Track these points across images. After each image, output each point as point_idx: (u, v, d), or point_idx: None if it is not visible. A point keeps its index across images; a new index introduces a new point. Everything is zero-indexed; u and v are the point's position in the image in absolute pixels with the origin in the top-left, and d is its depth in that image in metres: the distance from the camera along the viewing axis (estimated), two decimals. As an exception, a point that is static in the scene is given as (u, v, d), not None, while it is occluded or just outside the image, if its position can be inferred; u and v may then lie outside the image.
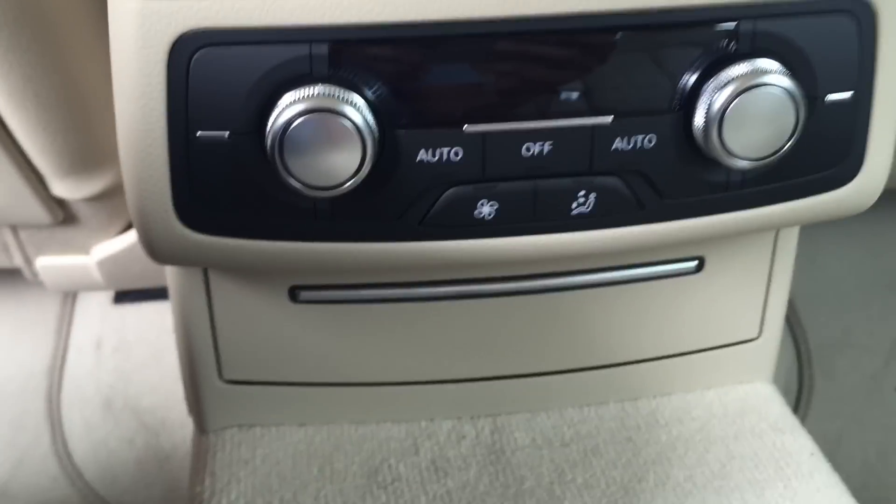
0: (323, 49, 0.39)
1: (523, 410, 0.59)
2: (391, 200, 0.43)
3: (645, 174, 0.44)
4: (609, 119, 0.42)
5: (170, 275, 0.53)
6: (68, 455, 0.93)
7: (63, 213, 0.70)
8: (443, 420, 0.59)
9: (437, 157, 0.41)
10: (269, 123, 0.39)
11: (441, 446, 0.57)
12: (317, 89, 0.39)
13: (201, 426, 0.58)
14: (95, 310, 1.03)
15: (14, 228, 0.74)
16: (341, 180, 0.40)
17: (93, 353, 1.00)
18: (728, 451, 0.56)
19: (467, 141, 0.41)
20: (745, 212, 0.46)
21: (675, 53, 0.42)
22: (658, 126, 0.42)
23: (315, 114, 0.39)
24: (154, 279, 0.76)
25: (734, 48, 0.42)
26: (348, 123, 0.39)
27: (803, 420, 1.02)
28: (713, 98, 0.41)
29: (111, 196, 0.69)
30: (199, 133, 0.40)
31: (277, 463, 0.56)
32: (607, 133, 0.42)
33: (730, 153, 0.42)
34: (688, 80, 0.42)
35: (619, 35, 0.41)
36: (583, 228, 0.45)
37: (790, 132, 0.42)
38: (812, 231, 0.62)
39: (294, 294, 0.53)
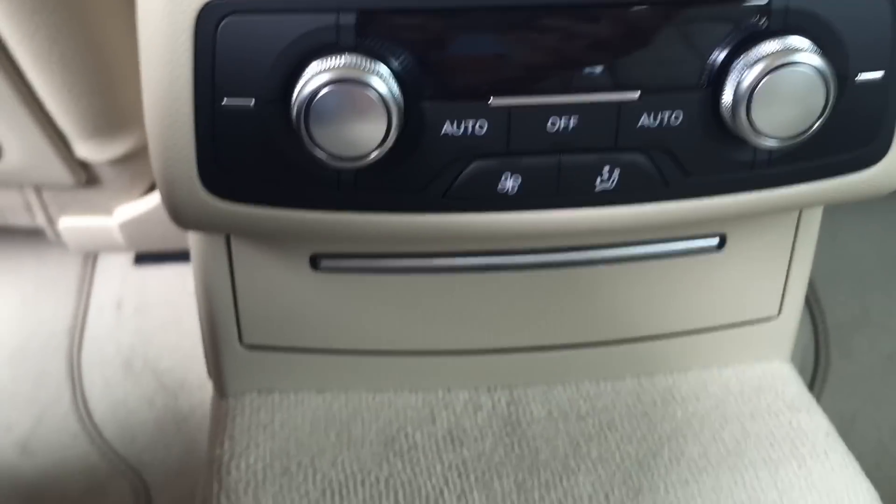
0: (350, 18, 0.39)
1: (540, 383, 0.60)
2: (415, 172, 0.43)
3: (670, 151, 0.43)
4: (636, 95, 0.41)
5: (192, 240, 0.54)
6: (88, 413, 0.95)
7: (86, 175, 0.71)
8: (460, 390, 0.59)
9: (461, 130, 0.41)
10: (295, 92, 0.39)
11: (457, 416, 0.58)
12: (343, 59, 0.39)
13: (221, 390, 0.59)
14: (116, 271, 1.04)
15: (38, 189, 0.75)
16: (366, 151, 0.40)
17: (113, 313, 1.02)
18: (743, 429, 0.57)
19: (492, 114, 0.41)
20: (769, 191, 0.46)
21: (705, 29, 0.41)
22: (685, 103, 0.42)
23: (341, 84, 0.39)
24: (175, 242, 0.77)
25: (765, 25, 0.41)
26: (374, 94, 0.39)
27: (818, 398, 1.02)
28: (742, 76, 0.41)
29: (134, 158, 0.69)
30: (224, 100, 0.40)
31: (296, 428, 0.57)
32: (634, 109, 0.42)
33: (757, 132, 0.42)
34: (717, 57, 0.41)
35: (648, 9, 0.40)
36: (606, 204, 0.45)
37: (819, 112, 0.42)
38: (833, 209, 0.61)
39: (315, 262, 0.53)
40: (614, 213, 0.45)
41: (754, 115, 0.41)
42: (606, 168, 0.43)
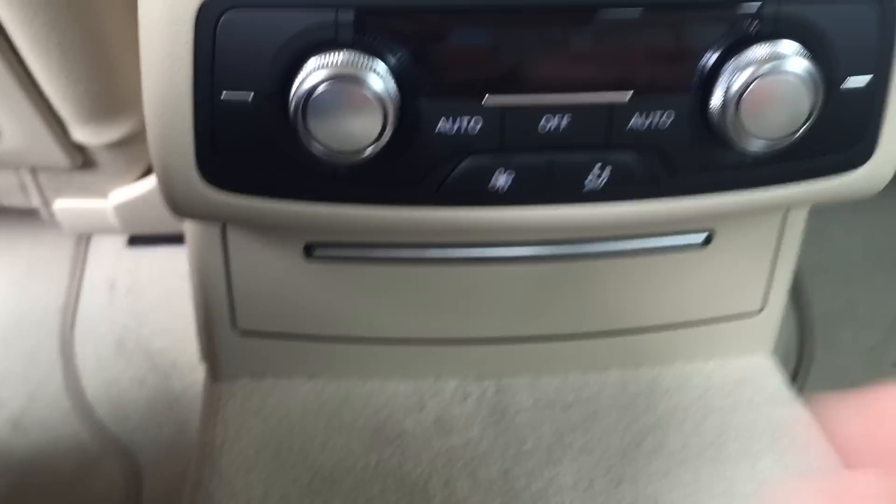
0: (349, 16, 0.40)
1: (527, 373, 0.61)
2: (410, 167, 0.43)
3: (659, 151, 0.44)
4: (628, 96, 0.42)
5: (188, 227, 0.54)
6: (80, 392, 0.95)
7: (82, 158, 0.71)
8: (449, 379, 0.60)
9: (456, 127, 0.42)
10: (293, 88, 0.40)
11: (446, 404, 0.59)
12: (341, 56, 0.39)
13: (214, 374, 0.60)
14: (109, 251, 1.04)
15: (33, 170, 0.75)
16: (362, 146, 0.41)
17: (106, 293, 1.02)
18: (724, 422, 0.58)
19: (487, 112, 0.42)
20: (756, 191, 0.47)
21: (697, 33, 0.42)
22: (676, 105, 0.43)
23: (338, 80, 0.39)
24: (169, 225, 0.77)
25: (756, 30, 0.42)
26: (370, 91, 0.39)
27: (802, 389, 1.04)
28: (732, 79, 0.41)
29: (130, 143, 0.70)
30: (223, 94, 0.41)
31: (287, 414, 0.58)
32: (625, 109, 0.43)
33: (745, 134, 0.42)
34: (707, 60, 0.42)
35: (642, 12, 0.41)
36: (596, 201, 0.46)
37: (806, 115, 0.42)
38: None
39: (309, 250, 0.54)
40: (604, 210, 0.46)
41: (742, 117, 0.42)
42: (597, 166, 0.44)
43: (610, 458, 0.55)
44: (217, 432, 0.56)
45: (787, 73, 0.41)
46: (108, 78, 0.63)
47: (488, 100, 0.41)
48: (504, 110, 0.42)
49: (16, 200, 0.80)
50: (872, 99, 0.45)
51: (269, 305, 0.57)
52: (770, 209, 0.49)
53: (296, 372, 0.60)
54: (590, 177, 0.44)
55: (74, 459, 0.90)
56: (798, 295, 1.10)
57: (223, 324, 0.57)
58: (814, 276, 1.11)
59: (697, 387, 0.61)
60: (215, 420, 0.57)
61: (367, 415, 0.58)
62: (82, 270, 1.03)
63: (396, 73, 0.41)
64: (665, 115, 0.43)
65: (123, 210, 0.78)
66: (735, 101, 0.41)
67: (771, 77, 0.41)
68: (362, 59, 0.40)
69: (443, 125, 0.42)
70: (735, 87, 0.41)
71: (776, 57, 0.41)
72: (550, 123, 0.42)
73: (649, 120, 0.43)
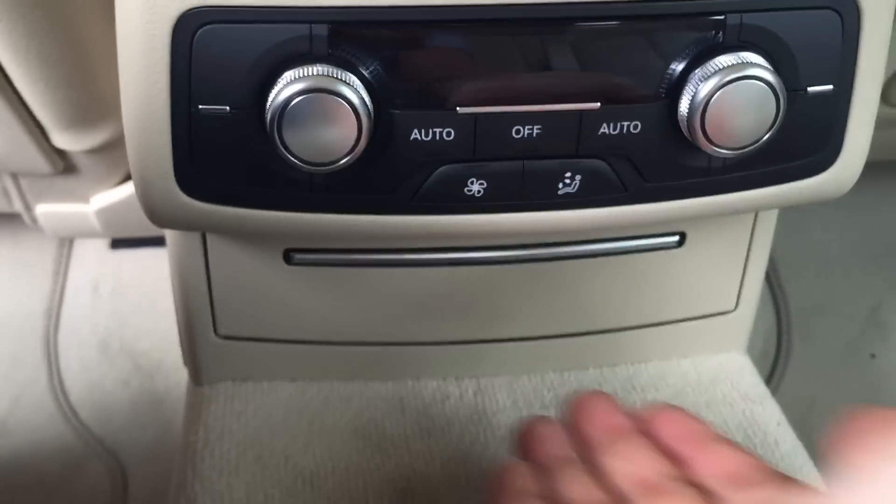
0: (323, 30, 0.40)
1: (506, 373, 0.62)
2: (385, 176, 0.44)
3: (629, 158, 0.45)
4: (597, 105, 0.43)
5: (168, 235, 0.55)
6: (65, 394, 0.96)
7: (63, 164, 0.71)
8: (429, 380, 0.61)
9: (429, 137, 0.43)
10: (269, 100, 0.40)
11: (426, 405, 0.60)
12: (316, 69, 0.40)
13: (196, 378, 0.61)
14: (92, 254, 1.05)
15: (14, 176, 0.76)
16: (337, 157, 0.42)
17: (89, 296, 1.03)
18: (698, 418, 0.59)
19: (459, 122, 0.43)
20: (725, 195, 0.48)
21: (663, 43, 0.43)
22: (643, 113, 0.44)
23: (313, 93, 0.40)
24: (152, 229, 0.78)
25: (720, 40, 0.43)
26: (345, 103, 0.40)
27: (780, 382, 1.05)
28: (698, 88, 0.42)
29: (111, 148, 0.70)
30: (200, 107, 0.41)
31: (269, 416, 0.58)
32: (594, 118, 0.43)
33: (711, 141, 0.43)
34: (674, 70, 0.43)
35: (609, 24, 0.42)
36: (568, 207, 0.47)
37: (771, 123, 0.43)
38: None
39: (288, 256, 0.55)
40: (576, 215, 0.47)
41: (708, 125, 0.43)
42: (568, 174, 0.45)
43: (586, 456, 0.56)
44: (199, 436, 0.57)
45: (750, 82, 0.42)
46: (88, 85, 0.63)
47: (460, 110, 0.42)
48: (476, 120, 0.43)
49: (-2, 205, 0.80)
50: (836, 105, 0.46)
51: (250, 310, 0.58)
52: (740, 212, 0.51)
53: (277, 375, 0.61)
54: (561, 183, 0.45)
55: (59, 461, 0.91)
56: (776, 289, 1.12)
57: (204, 328, 0.58)
58: (791, 271, 1.13)
59: (673, 384, 0.62)
60: (198, 424, 0.58)
61: (349, 417, 0.59)
62: (65, 273, 1.04)
63: (370, 84, 0.41)
64: (633, 124, 0.44)
65: (106, 214, 0.79)
66: (701, 110, 0.42)
67: (735, 86, 0.42)
68: (336, 71, 0.40)
69: (416, 135, 0.43)
70: (700, 95, 0.42)
71: (740, 66, 0.42)
72: (522, 132, 0.43)
73: (618, 128, 0.44)
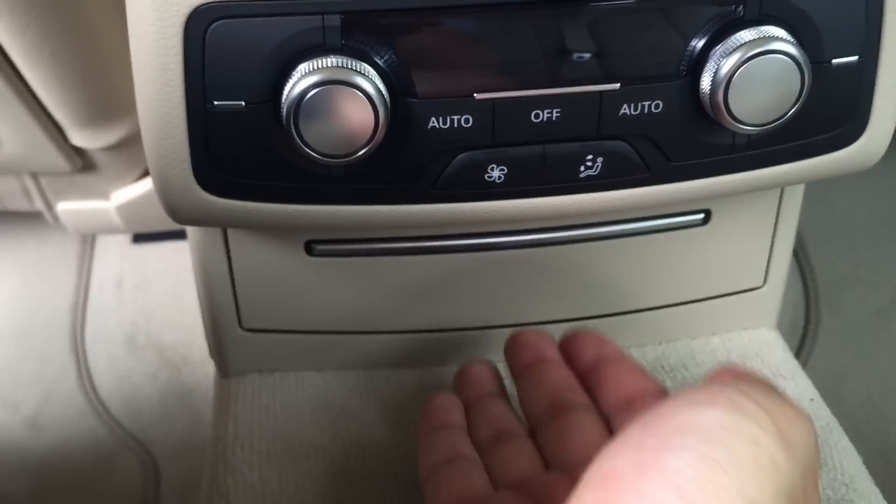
0: (335, 21, 0.40)
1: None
2: (404, 165, 0.44)
3: (652, 138, 0.44)
4: (617, 86, 0.42)
5: (190, 231, 0.55)
6: (94, 389, 0.97)
7: (82, 161, 0.71)
8: (454, 366, 0.61)
9: (448, 124, 0.42)
10: (284, 94, 0.40)
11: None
12: (330, 60, 0.40)
13: (223, 371, 0.61)
14: (115, 249, 1.05)
15: (35, 175, 0.76)
16: (355, 148, 0.41)
17: (114, 290, 1.03)
18: (729, 397, 0.58)
19: (477, 108, 0.42)
20: (750, 172, 0.47)
21: (683, 20, 0.42)
22: (665, 92, 0.43)
23: (328, 84, 0.39)
24: (172, 223, 0.78)
25: (741, 14, 0.42)
26: (361, 94, 0.40)
27: (809, 355, 1.04)
28: (720, 64, 0.42)
29: (128, 145, 0.70)
30: (216, 103, 0.41)
31: (297, 407, 0.58)
32: (615, 99, 0.43)
33: (735, 118, 0.43)
34: (695, 46, 0.42)
35: (626, 2, 0.41)
36: (590, 190, 0.46)
37: (795, 97, 0.43)
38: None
39: (310, 248, 0.55)
40: (598, 198, 0.46)
41: (731, 101, 0.42)
42: (590, 156, 0.45)
43: (616, 439, 0.56)
44: (229, 429, 0.57)
45: (773, 56, 0.41)
46: (103, 83, 0.63)
47: (478, 96, 0.42)
48: (494, 105, 0.42)
49: (19, 204, 0.81)
50: (861, 77, 0.45)
51: (273, 303, 0.58)
52: (766, 188, 0.50)
53: (304, 366, 0.61)
54: (583, 166, 0.45)
55: (91, 457, 0.92)
56: (803, 261, 1.10)
57: (229, 322, 0.58)
58: (818, 243, 1.11)
59: (703, 363, 0.62)
60: (227, 417, 0.58)
61: (375, 405, 0.59)
62: (89, 269, 1.04)
63: (385, 74, 0.41)
64: (655, 103, 0.43)
65: (126, 210, 0.79)
66: (724, 86, 0.42)
67: (758, 61, 0.41)
68: (351, 62, 0.40)
69: (434, 123, 0.42)
70: (723, 71, 0.41)
71: (762, 41, 0.41)
72: (541, 116, 0.43)
73: (640, 108, 0.43)
